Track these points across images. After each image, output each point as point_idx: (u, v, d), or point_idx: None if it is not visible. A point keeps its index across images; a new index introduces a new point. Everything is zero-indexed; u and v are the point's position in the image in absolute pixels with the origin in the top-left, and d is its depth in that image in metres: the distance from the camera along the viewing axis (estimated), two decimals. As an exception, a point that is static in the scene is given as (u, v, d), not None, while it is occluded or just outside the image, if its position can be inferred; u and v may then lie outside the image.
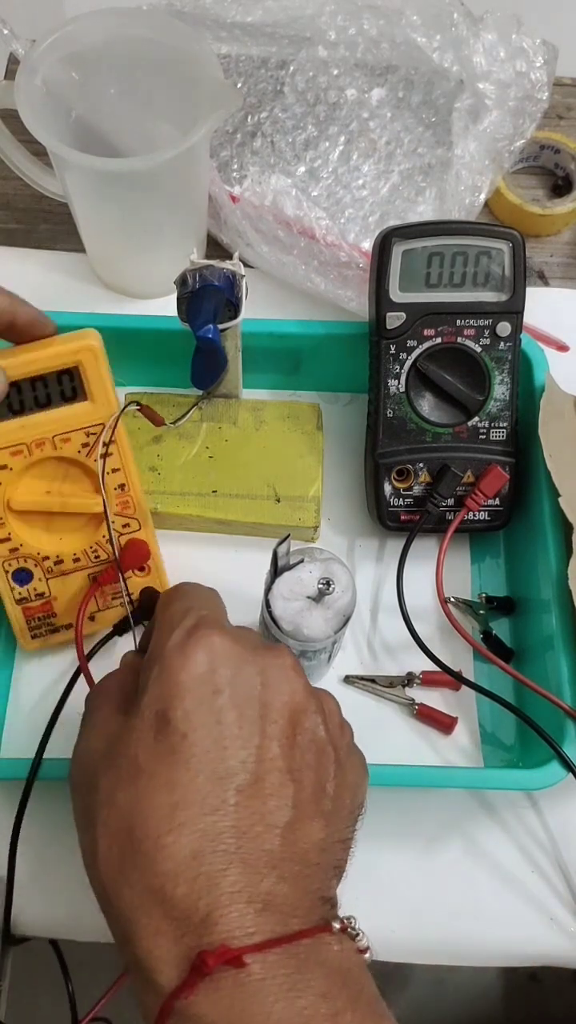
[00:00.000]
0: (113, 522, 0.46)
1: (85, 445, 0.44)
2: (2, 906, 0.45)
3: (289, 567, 0.42)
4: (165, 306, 0.53)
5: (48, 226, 0.64)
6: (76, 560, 0.47)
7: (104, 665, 0.48)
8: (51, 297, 0.60)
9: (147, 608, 0.48)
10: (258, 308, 0.57)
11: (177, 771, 0.30)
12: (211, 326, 0.42)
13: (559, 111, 0.69)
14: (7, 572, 0.46)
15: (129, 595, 0.48)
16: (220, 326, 0.44)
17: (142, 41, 0.52)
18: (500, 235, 0.49)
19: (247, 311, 0.45)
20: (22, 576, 0.47)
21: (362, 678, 0.51)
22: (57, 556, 0.47)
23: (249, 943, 0.27)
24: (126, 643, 0.49)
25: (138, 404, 0.46)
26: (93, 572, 0.47)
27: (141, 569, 0.49)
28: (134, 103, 0.55)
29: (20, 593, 0.47)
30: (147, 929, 0.28)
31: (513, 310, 0.50)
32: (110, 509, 0.46)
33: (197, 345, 0.43)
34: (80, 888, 0.47)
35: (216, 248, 0.62)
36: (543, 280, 0.64)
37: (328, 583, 0.41)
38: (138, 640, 0.44)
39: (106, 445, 0.44)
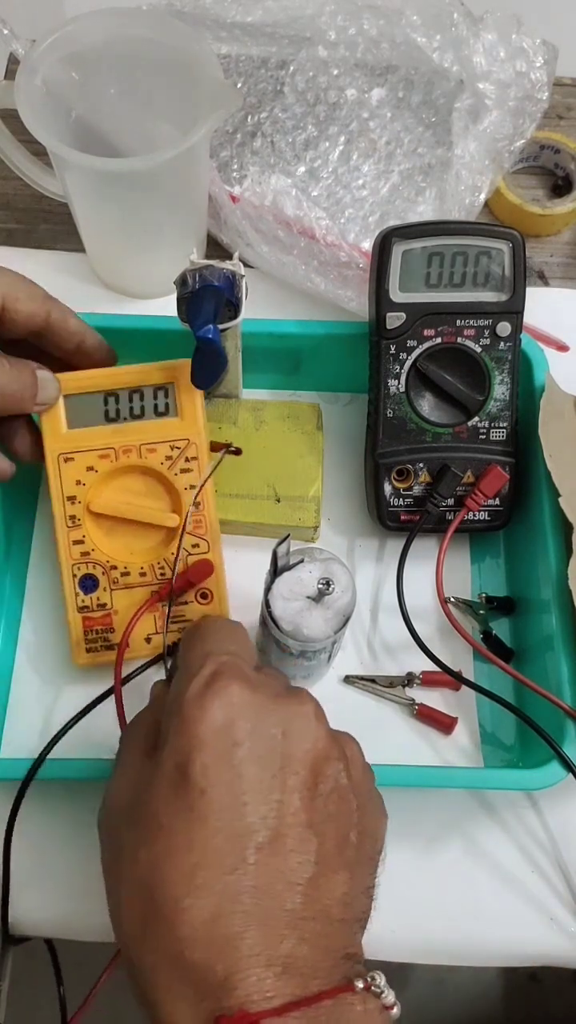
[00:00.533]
0: (183, 540, 0.47)
1: (168, 458, 0.47)
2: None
3: (289, 567, 0.42)
4: (165, 306, 0.53)
5: (48, 226, 0.64)
6: (142, 574, 0.47)
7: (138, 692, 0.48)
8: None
9: None
10: (258, 308, 0.57)
11: (196, 829, 0.29)
12: (211, 326, 0.42)
13: (559, 111, 0.69)
14: (75, 576, 0.47)
15: (169, 617, 0.47)
16: (220, 326, 0.44)
17: (142, 41, 0.52)
18: (500, 235, 0.49)
19: (247, 311, 0.45)
20: (88, 583, 0.47)
21: (362, 678, 0.51)
22: (124, 567, 0.47)
23: (267, 1007, 0.27)
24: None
25: (233, 448, 0.49)
26: (156, 590, 0.47)
27: (204, 597, 0.48)
28: (134, 103, 0.55)
29: (83, 601, 0.47)
30: (168, 993, 0.28)
31: (513, 310, 0.50)
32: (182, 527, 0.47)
33: (197, 345, 0.43)
34: (78, 887, 0.47)
35: (216, 248, 0.62)
36: (543, 280, 0.64)
37: (328, 583, 0.41)
38: (169, 668, 0.44)
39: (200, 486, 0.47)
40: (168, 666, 0.46)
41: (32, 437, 0.47)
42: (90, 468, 0.47)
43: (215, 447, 0.50)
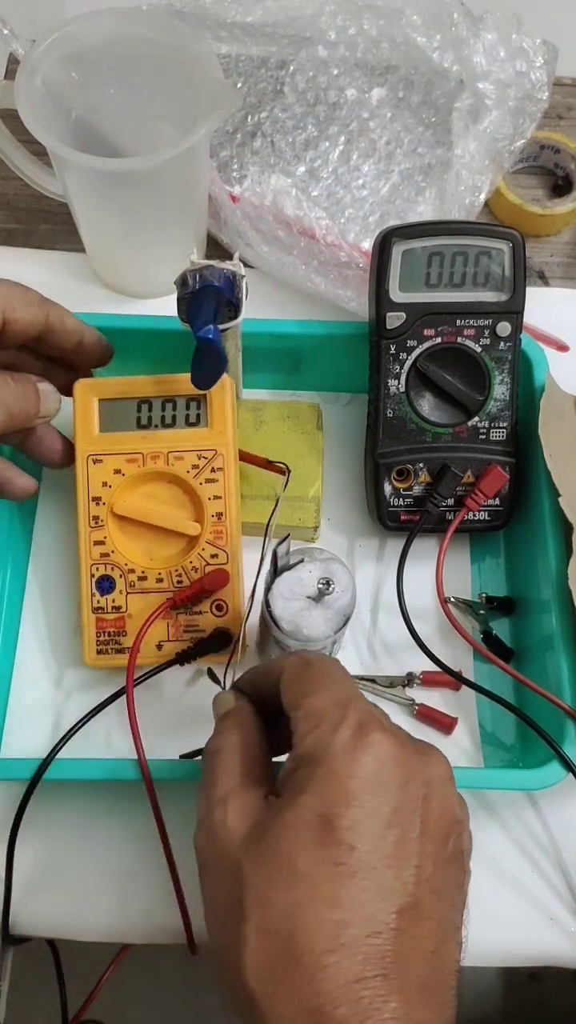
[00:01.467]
0: (203, 549, 0.47)
1: (195, 467, 0.47)
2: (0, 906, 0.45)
3: (289, 567, 0.42)
4: (165, 306, 0.53)
5: (48, 226, 0.64)
6: (159, 580, 0.47)
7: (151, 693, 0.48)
8: (51, 297, 0.61)
9: (214, 645, 0.47)
10: (258, 308, 0.57)
11: (343, 885, 0.29)
12: (211, 326, 0.42)
13: (559, 111, 0.69)
14: (92, 577, 0.47)
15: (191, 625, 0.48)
16: (220, 326, 0.44)
17: (142, 41, 0.52)
18: (500, 235, 0.49)
19: (247, 311, 0.45)
20: (105, 584, 0.47)
21: (362, 678, 0.51)
22: (143, 572, 0.47)
23: None
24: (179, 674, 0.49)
25: (285, 468, 0.49)
26: (171, 597, 0.47)
27: (219, 608, 0.48)
28: (134, 103, 0.55)
29: (99, 602, 0.47)
30: None
31: (513, 310, 0.50)
32: (203, 536, 0.47)
33: (197, 345, 0.43)
34: (80, 887, 0.47)
35: (216, 248, 0.62)
36: (543, 280, 0.64)
37: (328, 583, 0.41)
38: (230, 676, 0.44)
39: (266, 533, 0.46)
40: (192, 662, 0.46)
41: (62, 443, 0.48)
42: (117, 471, 0.47)
43: (244, 457, 0.50)
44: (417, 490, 0.51)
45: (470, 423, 0.51)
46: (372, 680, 0.50)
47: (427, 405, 0.51)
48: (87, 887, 0.46)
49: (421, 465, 0.51)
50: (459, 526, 0.50)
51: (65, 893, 0.46)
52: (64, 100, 0.53)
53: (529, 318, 0.52)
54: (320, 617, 0.42)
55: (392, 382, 0.50)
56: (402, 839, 0.30)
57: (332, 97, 0.62)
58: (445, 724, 0.49)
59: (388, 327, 0.49)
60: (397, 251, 0.49)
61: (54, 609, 0.52)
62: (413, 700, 0.50)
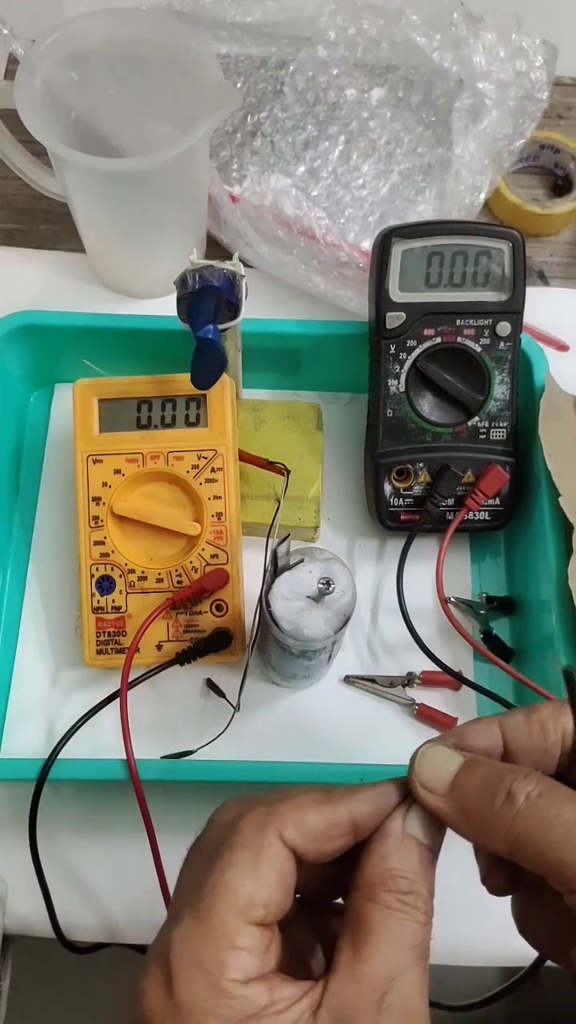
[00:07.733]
0: (203, 550, 0.47)
1: (195, 467, 0.47)
2: (3, 905, 0.45)
3: (289, 567, 0.42)
4: (165, 306, 0.53)
5: (48, 226, 0.64)
6: (159, 580, 0.48)
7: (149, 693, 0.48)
8: (51, 297, 0.61)
9: (214, 645, 0.47)
10: (258, 308, 0.57)
11: None
12: (211, 326, 0.42)
13: (559, 111, 0.69)
14: (92, 577, 0.48)
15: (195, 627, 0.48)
16: (220, 326, 0.44)
17: (142, 41, 0.52)
18: (500, 235, 0.49)
19: (247, 311, 0.45)
20: (105, 585, 0.48)
21: (362, 678, 0.51)
22: (142, 572, 0.47)
23: None
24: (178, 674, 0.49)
25: (281, 466, 0.49)
26: (171, 597, 0.47)
27: (219, 608, 0.48)
28: (134, 103, 0.55)
29: (99, 602, 0.48)
30: None
31: (513, 310, 0.50)
32: (203, 536, 0.47)
33: (197, 345, 0.43)
34: (79, 887, 0.47)
35: (216, 248, 0.62)
36: (543, 280, 0.64)
37: (328, 583, 0.41)
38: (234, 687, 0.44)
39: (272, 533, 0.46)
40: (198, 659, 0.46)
41: None
42: (117, 471, 0.48)
43: (244, 457, 0.50)
44: (417, 490, 0.51)
45: (470, 423, 0.51)
46: (372, 680, 0.50)
47: (427, 405, 0.51)
48: (86, 887, 0.46)
49: (421, 465, 0.51)
50: (459, 526, 0.50)
51: (63, 893, 0.46)
52: (64, 100, 0.53)
53: (529, 318, 0.52)
54: (320, 617, 0.41)
55: (392, 382, 0.50)
56: None
57: (332, 97, 0.62)
58: (445, 724, 0.49)
59: (388, 327, 0.49)
60: (397, 251, 0.49)
61: (54, 609, 0.52)
62: (413, 700, 0.50)
